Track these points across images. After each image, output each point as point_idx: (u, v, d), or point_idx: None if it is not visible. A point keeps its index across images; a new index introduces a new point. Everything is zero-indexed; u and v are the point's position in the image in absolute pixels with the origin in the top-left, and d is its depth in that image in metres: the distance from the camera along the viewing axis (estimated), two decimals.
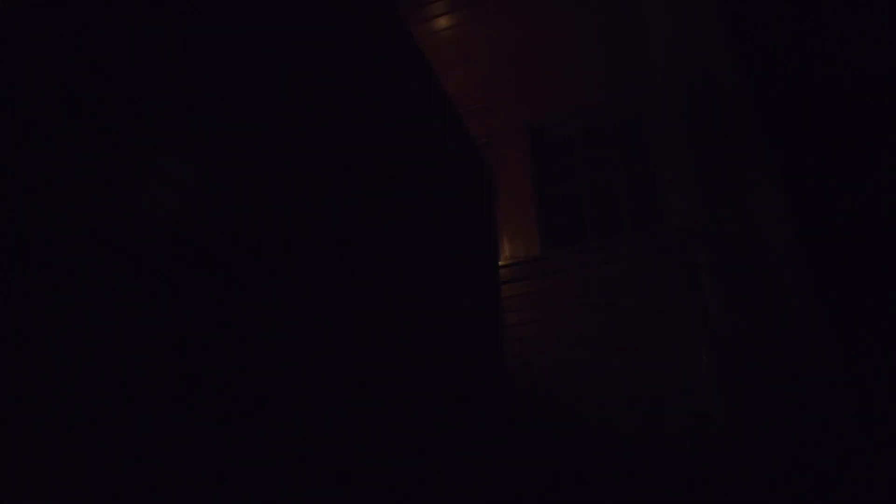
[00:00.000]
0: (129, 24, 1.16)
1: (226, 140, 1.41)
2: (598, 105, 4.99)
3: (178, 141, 1.28)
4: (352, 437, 1.64)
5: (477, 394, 2.52)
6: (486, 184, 3.49)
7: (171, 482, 1.08)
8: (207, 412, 1.20)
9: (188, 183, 1.27)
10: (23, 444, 0.88)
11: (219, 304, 1.29)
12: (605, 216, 4.84)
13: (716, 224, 1.77)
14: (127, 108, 1.13)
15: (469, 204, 3.38)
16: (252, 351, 1.36)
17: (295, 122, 1.72)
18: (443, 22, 4.96)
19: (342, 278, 1.76)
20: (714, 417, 2.27)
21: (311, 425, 1.49)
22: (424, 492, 1.92)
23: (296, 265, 1.59)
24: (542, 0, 4.69)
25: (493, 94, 5.12)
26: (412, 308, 2.18)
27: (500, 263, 4.47)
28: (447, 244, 2.73)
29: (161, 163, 1.22)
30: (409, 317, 2.13)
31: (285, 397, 1.43)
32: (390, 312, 2.01)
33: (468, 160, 3.51)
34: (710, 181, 1.68)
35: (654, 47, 3.37)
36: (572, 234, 4.83)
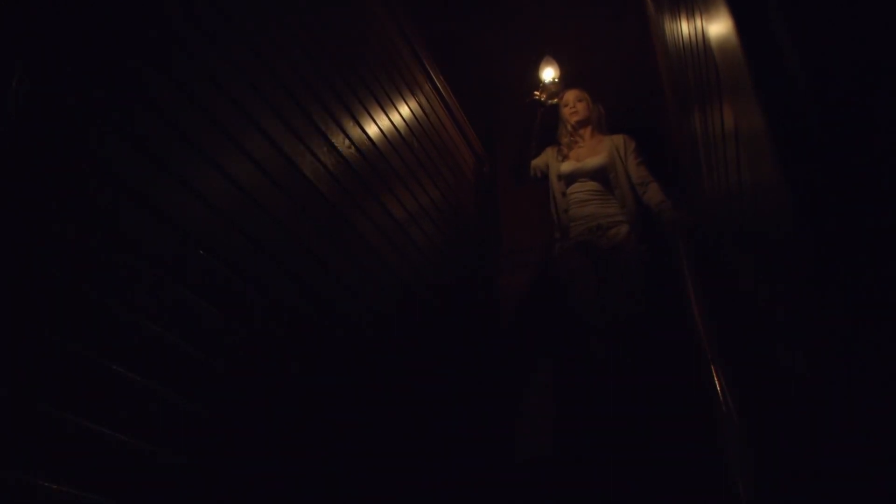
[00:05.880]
0: None
1: None
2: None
3: None
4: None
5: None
6: (490, 178, 3.57)
7: None
8: None
9: None
10: None
11: None
12: None
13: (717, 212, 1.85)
14: None
15: (473, 198, 3.47)
16: None
17: None
18: None
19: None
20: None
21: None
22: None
23: None
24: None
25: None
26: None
27: (508, 250, 4.33)
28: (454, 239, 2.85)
29: None
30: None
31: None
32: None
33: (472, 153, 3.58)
34: (712, 175, 1.76)
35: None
36: None
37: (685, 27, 1.73)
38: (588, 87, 3.73)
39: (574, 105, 3.60)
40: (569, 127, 3.60)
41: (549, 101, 3.60)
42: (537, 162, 3.66)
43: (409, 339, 2.32)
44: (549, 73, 3.63)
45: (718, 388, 1.70)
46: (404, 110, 2.70)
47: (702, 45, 1.37)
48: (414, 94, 2.87)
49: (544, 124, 3.65)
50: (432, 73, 3.13)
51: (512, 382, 3.30)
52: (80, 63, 1.15)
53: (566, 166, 3.49)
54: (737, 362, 1.76)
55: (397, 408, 2.12)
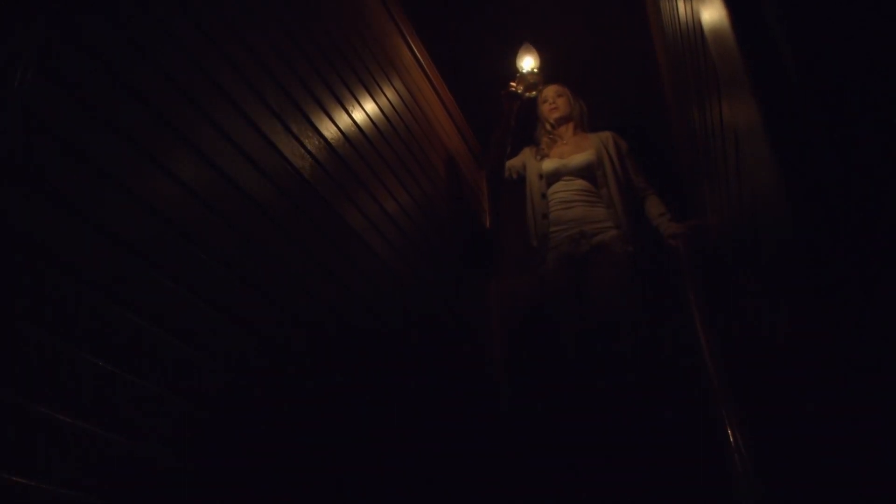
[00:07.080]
0: None
1: None
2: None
3: None
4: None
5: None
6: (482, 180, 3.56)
7: None
8: None
9: None
10: None
11: None
12: None
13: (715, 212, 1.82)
14: None
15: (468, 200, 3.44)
16: None
17: None
18: None
19: None
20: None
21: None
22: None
23: None
24: None
25: None
26: None
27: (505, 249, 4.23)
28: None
29: None
30: None
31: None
32: None
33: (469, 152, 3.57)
34: (711, 177, 1.73)
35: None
36: None
37: (682, 9, 1.68)
38: (590, 84, 3.52)
39: (554, 101, 3.28)
40: (548, 125, 3.29)
41: (527, 94, 3.22)
42: (513, 162, 3.35)
43: (402, 336, 2.29)
44: (527, 63, 3.20)
45: (726, 422, 1.63)
46: (400, 107, 2.67)
47: (699, 34, 1.33)
48: (410, 91, 2.85)
49: (520, 120, 3.28)
50: (429, 72, 3.10)
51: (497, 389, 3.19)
52: (77, 59, 1.13)
53: (548, 164, 3.17)
54: (747, 393, 1.70)
55: (395, 407, 2.09)
